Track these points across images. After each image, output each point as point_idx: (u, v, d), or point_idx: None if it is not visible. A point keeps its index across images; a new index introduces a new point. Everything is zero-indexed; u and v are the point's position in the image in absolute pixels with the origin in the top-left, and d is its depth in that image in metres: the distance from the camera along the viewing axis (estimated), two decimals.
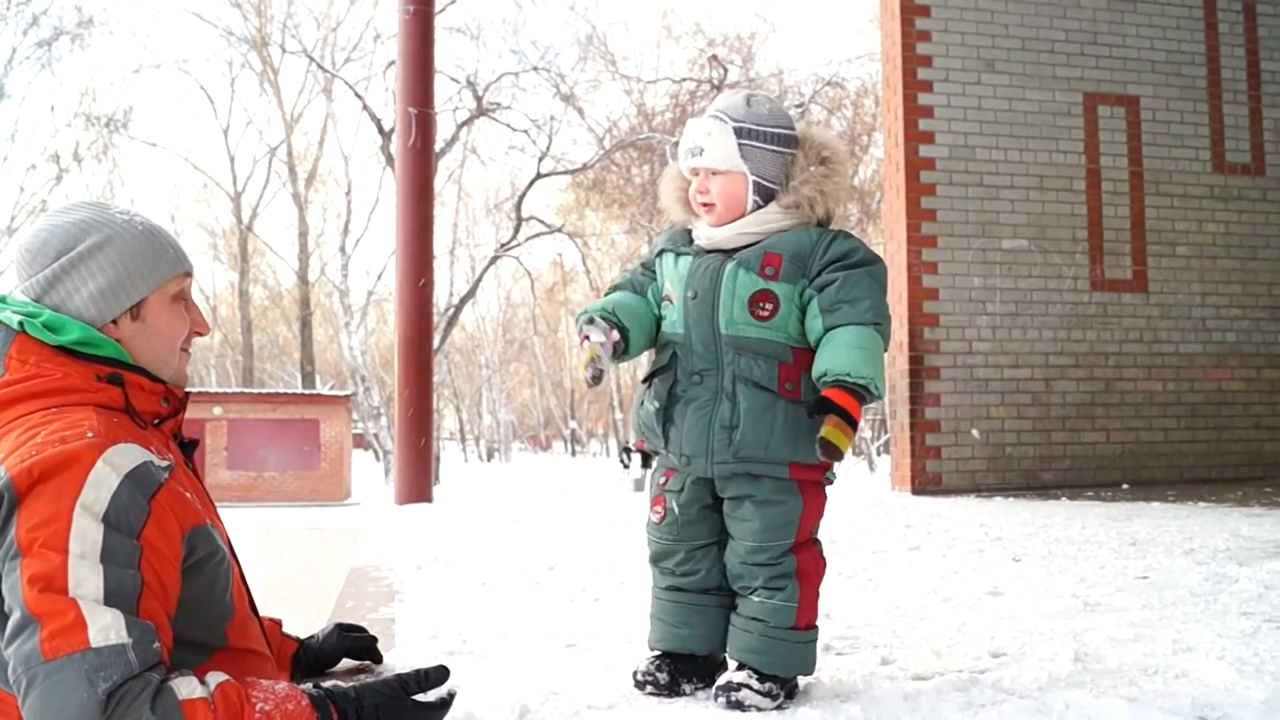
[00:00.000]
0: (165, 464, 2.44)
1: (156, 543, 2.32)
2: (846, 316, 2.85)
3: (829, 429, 2.73)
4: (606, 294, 3.24)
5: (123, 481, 2.30)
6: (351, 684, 2.54)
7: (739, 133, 3.00)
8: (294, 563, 10.18)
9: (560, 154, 40.20)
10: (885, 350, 2.92)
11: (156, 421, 2.60)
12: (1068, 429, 11.44)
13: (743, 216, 3.02)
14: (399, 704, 2.53)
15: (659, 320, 3.14)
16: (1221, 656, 3.27)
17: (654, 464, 3.17)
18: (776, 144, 3.04)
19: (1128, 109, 11.93)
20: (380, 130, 30.62)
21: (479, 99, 30.58)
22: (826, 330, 2.87)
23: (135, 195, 52.99)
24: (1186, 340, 11.85)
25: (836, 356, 2.80)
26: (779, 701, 2.85)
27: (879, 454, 36.02)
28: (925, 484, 11.01)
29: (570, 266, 53.54)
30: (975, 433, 11.17)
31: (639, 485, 21.61)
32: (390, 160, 27.02)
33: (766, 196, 3.03)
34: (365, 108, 31.22)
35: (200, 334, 2.73)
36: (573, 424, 76.67)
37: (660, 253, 3.18)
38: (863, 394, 2.79)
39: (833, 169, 3.05)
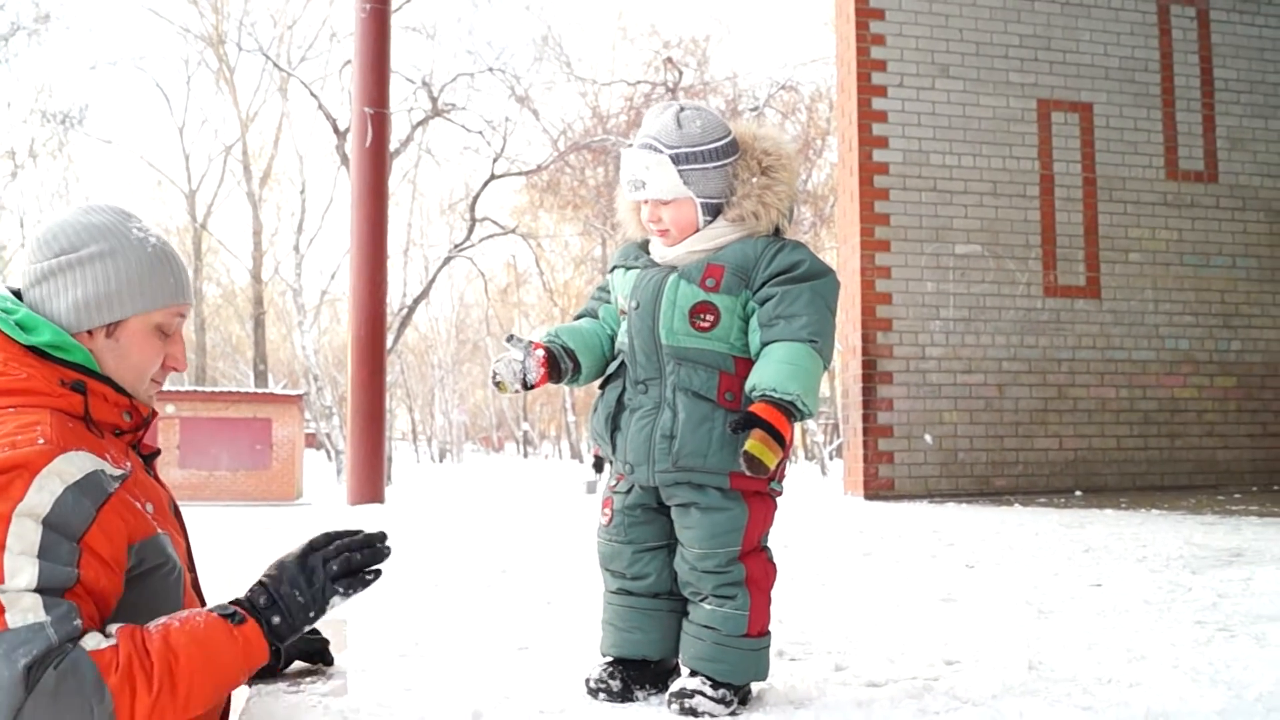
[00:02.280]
0: (118, 474, 2.42)
1: (99, 549, 2.32)
2: (781, 333, 2.83)
3: (753, 443, 2.71)
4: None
5: (68, 489, 2.29)
6: (272, 571, 2.66)
7: (677, 159, 2.97)
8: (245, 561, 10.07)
9: (515, 155, 40.10)
10: (825, 367, 2.90)
11: (117, 432, 2.57)
12: (1020, 435, 11.49)
13: (696, 233, 3.01)
14: (300, 571, 2.65)
15: (611, 336, 3.15)
16: (1175, 665, 3.27)
17: (607, 468, 3.16)
18: (716, 159, 3.01)
19: (1081, 115, 12.00)
20: (335, 130, 30.47)
21: (434, 99, 30.52)
22: (763, 345, 2.86)
23: (90, 192, 52.43)
24: (1140, 347, 11.92)
25: (766, 372, 2.79)
26: (732, 708, 2.84)
27: (832, 459, 36.12)
28: (878, 489, 11.04)
29: (524, 268, 53.53)
30: (928, 438, 11.20)
31: (591, 488, 21.61)
32: (345, 160, 26.92)
33: (715, 211, 3.02)
34: (321, 107, 31.06)
35: (174, 369, 2.71)
36: (525, 425, 76.59)
37: (613, 269, 3.18)
38: (790, 410, 2.77)
39: (775, 177, 3.02)
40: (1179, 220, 12.25)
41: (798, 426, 2.88)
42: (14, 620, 2.18)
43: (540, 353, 3.02)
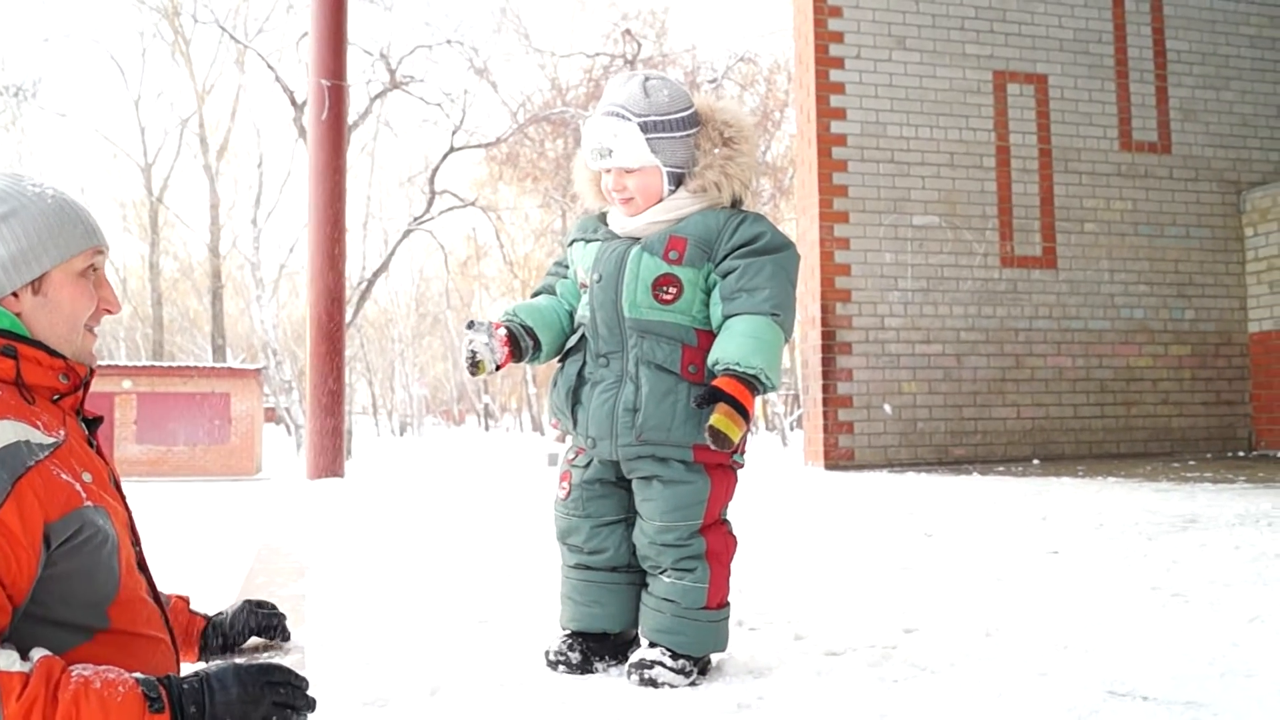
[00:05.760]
0: (49, 441, 2.38)
1: (11, 524, 2.25)
2: (744, 305, 2.86)
3: (718, 417, 2.74)
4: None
5: None
6: (215, 668, 2.40)
7: (645, 128, 2.98)
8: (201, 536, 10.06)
9: (474, 128, 39.89)
10: (786, 340, 2.92)
11: (56, 398, 2.55)
12: (978, 404, 11.55)
13: (659, 202, 3.01)
14: (246, 688, 2.38)
15: (570, 312, 3.18)
16: (1131, 631, 3.31)
17: (568, 440, 3.17)
18: (681, 129, 3.02)
19: (1036, 87, 12.04)
20: (293, 102, 30.20)
21: (392, 72, 30.29)
22: (725, 318, 2.88)
23: (44, 166, 51.98)
24: (1095, 317, 12.00)
25: (729, 346, 2.81)
26: (692, 678, 2.85)
27: (792, 429, 36.20)
28: (838, 459, 11.08)
29: (484, 241, 53.30)
30: (887, 408, 11.24)
31: (552, 460, 21.58)
32: (302, 132, 26.69)
33: (678, 181, 3.02)
34: (278, 79, 30.75)
35: (109, 312, 2.67)
36: (486, 399, 76.37)
37: (572, 242, 3.18)
38: (753, 384, 2.79)
39: (736, 149, 3.03)
40: (1133, 191, 12.32)
41: (758, 398, 2.89)
42: None
43: (501, 332, 3.04)
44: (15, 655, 2.18)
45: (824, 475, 10.39)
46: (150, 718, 2.27)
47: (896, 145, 11.59)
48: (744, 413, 2.77)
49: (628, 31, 32.55)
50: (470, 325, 3.03)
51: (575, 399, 3.05)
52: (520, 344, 3.07)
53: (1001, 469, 10.51)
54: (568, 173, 30.07)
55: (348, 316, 21.55)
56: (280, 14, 46.79)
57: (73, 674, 2.22)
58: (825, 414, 11.20)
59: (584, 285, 3.08)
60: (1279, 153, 12.91)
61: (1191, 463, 10.77)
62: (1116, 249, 12.20)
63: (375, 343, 69.52)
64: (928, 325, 11.52)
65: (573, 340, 3.11)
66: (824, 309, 11.22)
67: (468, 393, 79.33)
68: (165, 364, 37.18)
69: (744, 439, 2.90)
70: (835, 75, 11.50)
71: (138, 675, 2.31)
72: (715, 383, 2.79)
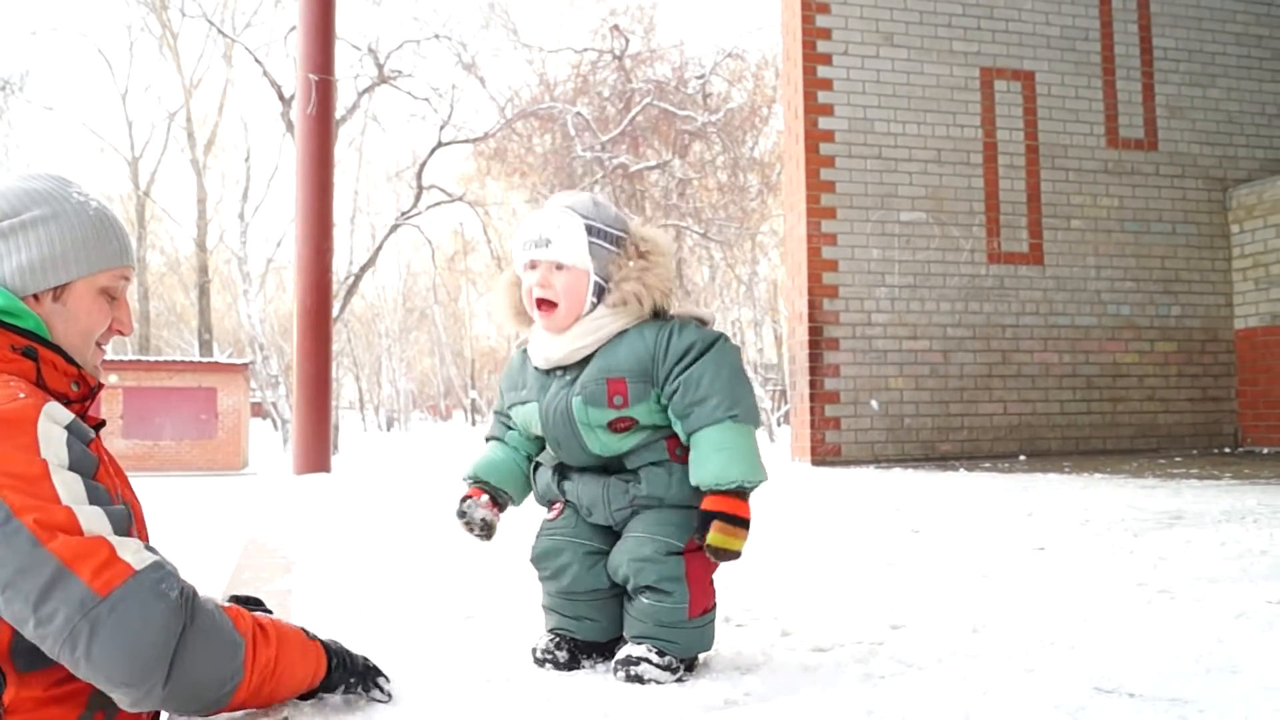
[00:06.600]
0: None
1: (108, 484, 2.35)
2: (699, 419, 2.83)
3: (714, 535, 2.73)
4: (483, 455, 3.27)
5: (69, 435, 2.29)
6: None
7: (589, 230, 2.96)
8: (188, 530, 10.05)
9: (461, 123, 39.83)
10: (755, 427, 2.91)
11: (65, 403, 2.55)
12: (965, 400, 11.58)
13: (578, 320, 2.97)
14: (374, 670, 2.65)
15: (527, 458, 3.22)
16: (1117, 628, 3.31)
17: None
18: (613, 245, 3.00)
19: (1023, 84, 12.06)
20: (280, 97, 30.10)
21: (380, 66, 30.22)
22: (689, 435, 2.87)
23: (30, 160, 51.78)
24: (1082, 313, 12.03)
25: (704, 467, 2.80)
26: (679, 674, 2.85)
27: (779, 425, 36.23)
28: (825, 455, 11.09)
29: (471, 236, 53.29)
30: (874, 404, 11.26)
31: None
32: (290, 127, 26.62)
33: (599, 295, 2.99)
34: (265, 74, 30.68)
35: (121, 333, 2.68)
36: (473, 394, 76.26)
37: (511, 406, 3.15)
38: (739, 493, 2.79)
39: (652, 261, 2.99)
40: (1120, 187, 12.35)
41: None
42: (135, 561, 2.18)
43: (485, 498, 3.14)
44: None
45: (811, 471, 10.39)
46: (310, 643, 2.51)
47: (884, 141, 11.60)
48: (740, 522, 2.77)
49: (615, 27, 32.49)
50: (462, 513, 3.14)
51: (564, 476, 3.07)
52: (499, 500, 3.16)
53: (988, 465, 10.53)
54: (555, 167, 30.14)
55: (335, 311, 21.53)
56: (268, 8, 46.64)
57: (262, 621, 2.42)
58: (812, 410, 11.21)
59: (534, 432, 3.11)
60: (1265, 149, 12.94)
61: (1177, 459, 10.79)
62: (1103, 245, 12.22)
63: (362, 337, 69.44)
64: (915, 321, 11.54)
65: (544, 457, 3.16)
66: (811, 305, 11.23)
67: (455, 388, 79.25)
68: (152, 359, 37.08)
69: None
70: (823, 71, 11.51)
71: (294, 624, 2.53)
72: (703, 507, 2.78)
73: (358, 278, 33.34)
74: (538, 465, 3.17)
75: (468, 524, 3.12)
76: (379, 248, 34.01)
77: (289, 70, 29.84)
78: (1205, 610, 3.52)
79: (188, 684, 2.20)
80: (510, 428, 3.22)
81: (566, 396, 2.96)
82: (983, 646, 3.14)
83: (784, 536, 5.71)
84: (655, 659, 2.82)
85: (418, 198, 32.36)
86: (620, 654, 2.87)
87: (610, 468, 2.99)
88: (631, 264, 2.98)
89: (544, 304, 2.97)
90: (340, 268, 32.26)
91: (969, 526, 5.90)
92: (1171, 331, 12.46)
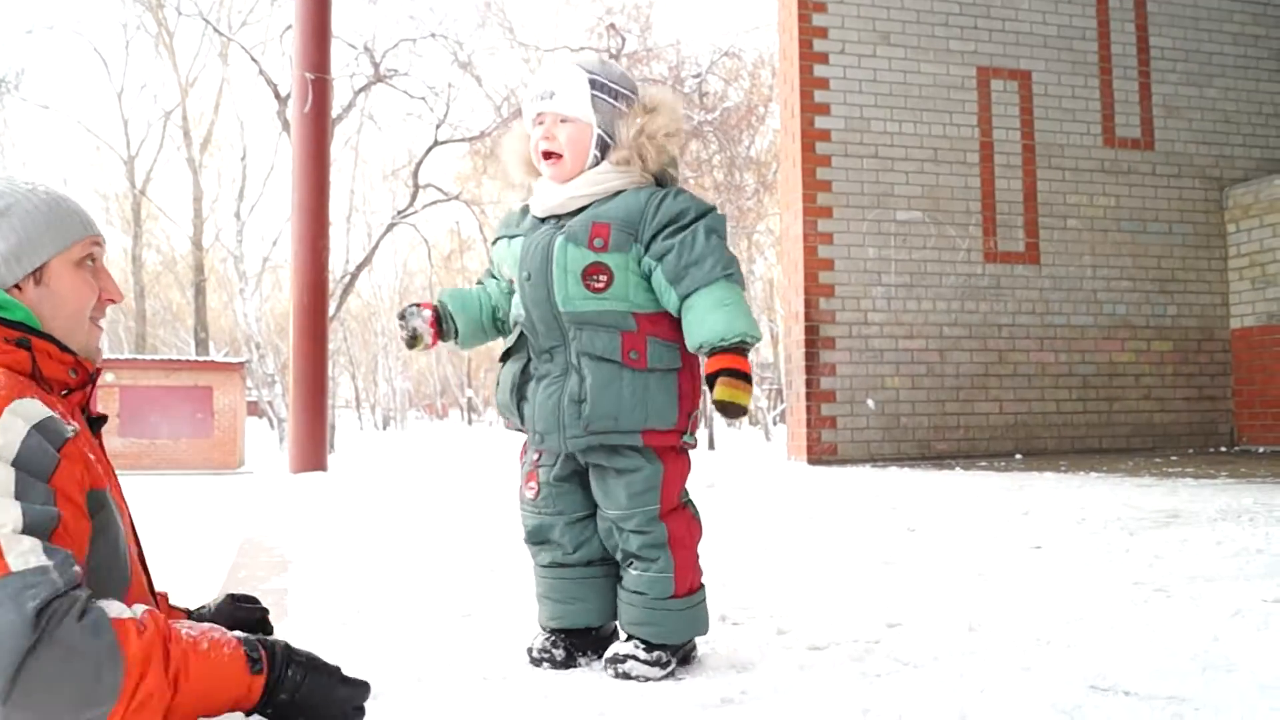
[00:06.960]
0: (70, 427, 2.40)
1: (68, 490, 2.29)
2: (696, 280, 2.87)
3: (721, 388, 2.76)
4: None
5: (31, 430, 2.26)
6: (312, 659, 2.49)
7: (593, 84, 3.02)
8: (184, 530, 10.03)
9: (458, 122, 39.88)
10: (744, 290, 2.95)
11: (65, 392, 2.56)
12: (961, 400, 11.58)
13: (582, 172, 3.02)
14: (326, 670, 2.48)
15: (495, 309, 3.24)
16: (1113, 626, 3.31)
17: (526, 441, 3.18)
18: (618, 100, 3.05)
19: (1020, 83, 12.06)
20: (276, 95, 30.05)
21: (376, 65, 30.21)
22: (682, 299, 2.88)
23: (26, 158, 51.78)
24: (1078, 312, 12.03)
25: (703, 326, 2.83)
26: (669, 669, 2.86)
27: (775, 423, 36.22)
28: (821, 454, 11.09)
29: (467, 234, 53.23)
30: (870, 403, 11.26)
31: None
32: (286, 126, 26.59)
33: (603, 150, 3.04)
34: (261, 72, 30.62)
35: (112, 301, 2.68)
36: (469, 392, 76.19)
37: (495, 241, 3.19)
38: (741, 348, 2.81)
39: (656, 114, 3.06)
40: (1116, 187, 12.35)
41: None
42: (15, 564, 2.12)
43: (428, 313, 3.16)
44: (122, 604, 2.26)
45: (807, 470, 10.39)
46: (251, 678, 2.37)
47: (880, 140, 11.60)
48: (743, 376, 2.78)
49: (612, 26, 32.46)
50: (402, 315, 3.19)
51: (521, 395, 3.07)
52: (444, 325, 3.18)
53: (984, 464, 10.53)
54: None
55: (331, 310, 21.52)
56: (264, 7, 46.53)
57: (181, 629, 2.31)
58: (808, 409, 11.21)
59: (513, 282, 3.09)
60: (1261, 149, 12.95)
61: (1173, 458, 10.79)
62: (1099, 245, 12.23)
63: (359, 336, 69.33)
64: (911, 320, 11.54)
65: (512, 338, 3.12)
66: (807, 304, 11.23)
67: (451, 387, 79.22)
68: (148, 357, 37.02)
69: (694, 419, 2.97)
70: (819, 70, 11.51)
71: (240, 635, 2.41)
72: (708, 366, 2.81)
73: (354, 276, 33.32)
74: (506, 357, 3.17)
75: (402, 326, 3.16)
76: (375, 246, 33.99)
77: (285, 69, 29.78)
78: (1201, 608, 3.52)
79: (34, 703, 2.10)
80: (492, 276, 3.28)
81: (551, 235, 3.00)
82: (979, 645, 3.14)
83: (780, 535, 5.72)
84: (642, 655, 2.84)
85: (414, 196, 32.34)
86: (609, 651, 2.90)
87: (567, 363, 2.98)
88: (638, 121, 3.03)
89: (550, 155, 3.04)
90: (336, 266, 32.21)
91: (965, 525, 5.90)
92: (1167, 331, 12.47)
